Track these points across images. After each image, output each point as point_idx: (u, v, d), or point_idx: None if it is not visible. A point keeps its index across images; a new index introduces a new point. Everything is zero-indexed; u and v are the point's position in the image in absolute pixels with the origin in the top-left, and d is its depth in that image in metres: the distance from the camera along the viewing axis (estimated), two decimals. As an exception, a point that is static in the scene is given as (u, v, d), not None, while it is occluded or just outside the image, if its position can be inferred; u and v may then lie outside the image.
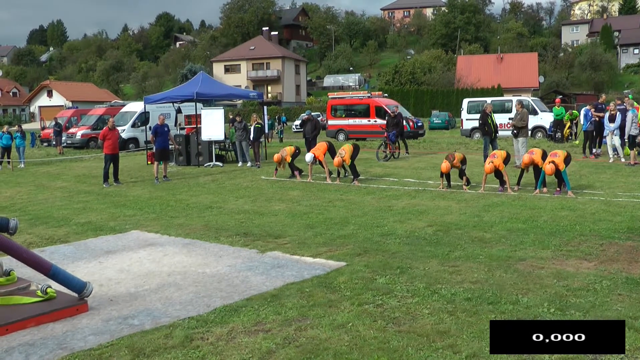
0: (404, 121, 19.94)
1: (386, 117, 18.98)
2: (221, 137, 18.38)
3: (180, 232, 8.37)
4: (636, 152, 14.01)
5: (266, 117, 21.88)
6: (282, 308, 4.97)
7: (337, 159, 12.90)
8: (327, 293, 5.33)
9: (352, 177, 13.00)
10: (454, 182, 11.72)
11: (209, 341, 4.35)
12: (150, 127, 18.63)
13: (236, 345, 4.25)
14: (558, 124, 21.49)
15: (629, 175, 12.50)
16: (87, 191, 13.43)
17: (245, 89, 43.47)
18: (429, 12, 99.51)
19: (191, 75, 50.88)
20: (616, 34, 77.11)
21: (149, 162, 18.65)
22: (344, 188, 12.29)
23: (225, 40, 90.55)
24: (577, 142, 20.41)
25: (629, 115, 14.28)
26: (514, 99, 23.66)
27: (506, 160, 11.00)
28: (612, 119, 14.79)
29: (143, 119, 23.39)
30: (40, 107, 69.05)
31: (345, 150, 12.97)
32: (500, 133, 17.10)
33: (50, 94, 69.87)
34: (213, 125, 18.01)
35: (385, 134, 17.99)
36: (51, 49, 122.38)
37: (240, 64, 73.44)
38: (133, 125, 26.03)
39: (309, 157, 13.56)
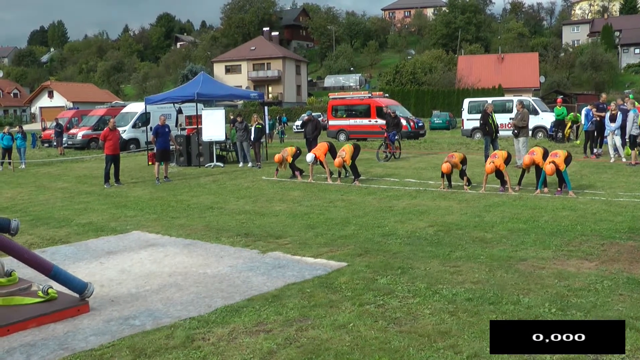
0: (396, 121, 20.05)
1: (386, 118, 18.99)
2: (222, 137, 18.39)
3: (181, 233, 8.37)
4: (637, 152, 14.00)
5: (267, 118, 21.88)
6: (283, 308, 4.98)
7: (337, 160, 12.91)
8: (328, 293, 5.33)
9: (353, 177, 13.00)
10: (455, 183, 11.72)
11: (210, 341, 4.35)
12: (151, 128, 18.65)
13: (237, 346, 4.25)
14: (559, 124, 21.48)
15: (630, 175, 12.49)
16: (88, 192, 13.44)
17: (246, 90, 43.44)
18: (429, 12, 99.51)
19: (192, 76, 50.87)
20: (617, 33, 77.01)
21: (149, 163, 18.66)
22: (344, 188, 12.29)
23: (225, 40, 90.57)
24: (578, 142, 20.39)
25: (630, 115, 14.26)
26: (515, 99, 23.65)
27: (507, 161, 10.99)
28: (613, 118, 14.78)
29: (144, 119, 23.39)
30: (41, 107, 69.15)
31: (345, 150, 12.98)
32: (501, 133, 17.10)
33: (51, 95, 69.93)
34: (214, 125, 18.02)
35: (386, 134, 18.00)
36: (52, 49, 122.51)
37: (240, 65, 73.46)
38: (134, 126, 26.05)
39: (309, 157, 13.57)
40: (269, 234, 8.03)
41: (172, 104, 21.18)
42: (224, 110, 19.28)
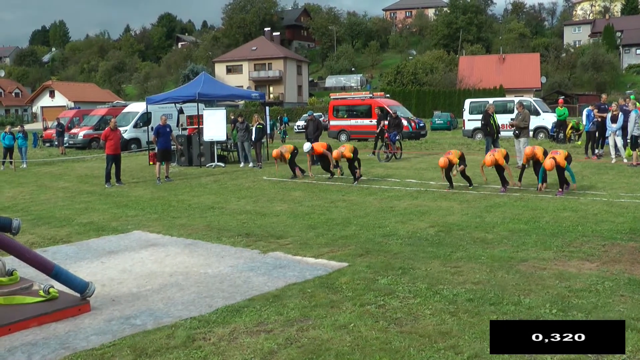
0: (384, 122, 20.22)
1: (388, 118, 18.99)
2: (223, 137, 18.40)
3: (182, 233, 8.38)
4: (638, 153, 13.99)
5: (268, 118, 21.90)
6: (284, 308, 4.98)
7: (336, 152, 13.08)
8: (329, 294, 5.33)
9: (353, 178, 13.02)
10: (456, 183, 11.71)
11: (211, 341, 4.36)
12: (152, 128, 18.64)
13: (238, 346, 4.26)
14: (561, 124, 21.47)
15: (632, 176, 12.48)
16: (89, 191, 13.45)
17: (247, 90, 43.49)
18: (431, 12, 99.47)
19: (193, 76, 50.90)
20: (618, 34, 76.91)
21: (151, 163, 18.68)
22: (345, 189, 12.30)
23: (227, 40, 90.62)
24: (579, 142, 20.38)
25: (632, 115, 14.25)
26: (516, 99, 23.65)
27: (506, 158, 10.97)
28: (614, 119, 14.77)
29: (145, 119, 23.40)
30: (42, 107, 69.23)
31: (346, 147, 13.12)
32: (501, 134, 17.10)
33: (52, 95, 70.01)
34: (215, 125, 18.03)
35: (387, 135, 18.00)
36: (53, 49, 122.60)
37: (242, 65, 73.49)
38: (135, 126, 26.07)
39: (307, 146, 13.80)
40: (270, 234, 8.04)
41: (173, 104, 21.20)
42: (225, 111, 19.29)
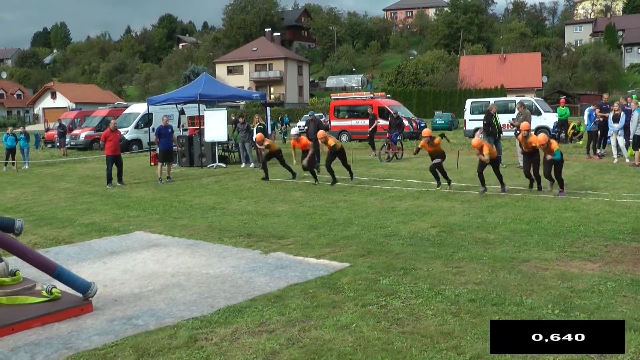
0: (377, 122, 20.37)
1: (389, 118, 19.00)
2: (224, 138, 18.41)
3: (183, 233, 8.38)
4: (640, 153, 13.97)
5: (269, 118, 21.90)
6: (285, 309, 4.98)
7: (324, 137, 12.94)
8: (330, 294, 5.33)
9: (350, 175, 13.15)
10: (456, 183, 11.70)
11: (213, 342, 4.36)
12: (153, 129, 18.69)
13: (240, 346, 4.26)
14: (562, 124, 21.44)
15: (634, 176, 12.47)
16: (91, 192, 13.47)
17: (248, 90, 43.47)
18: (431, 12, 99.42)
19: (194, 77, 50.91)
20: (620, 33, 76.73)
21: (152, 163, 18.70)
22: (347, 189, 12.30)
23: (227, 41, 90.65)
24: (581, 142, 20.36)
25: (635, 115, 14.23)
26: (517, 99, 23.62)
27: (496, 162, 11.01)
28: (616, 119, 14.75)
29: (146, 120, 23.44)
30: (44, 108, 69.31)
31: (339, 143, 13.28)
32: (503, 133, 17.06)
33: (54, 96, 70.06)
34: (216, 126, 18.04)
35: (388, 135, 18.00)
36: (55, 51, 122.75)
37: (242, 65, 73.54)
38: (136, 127, 26.08)
39: (294, 130, 13.90)
40: (272, 235, 8.04)
41: (174, 105, 21.22)
42: (226, 111, 19.30)
